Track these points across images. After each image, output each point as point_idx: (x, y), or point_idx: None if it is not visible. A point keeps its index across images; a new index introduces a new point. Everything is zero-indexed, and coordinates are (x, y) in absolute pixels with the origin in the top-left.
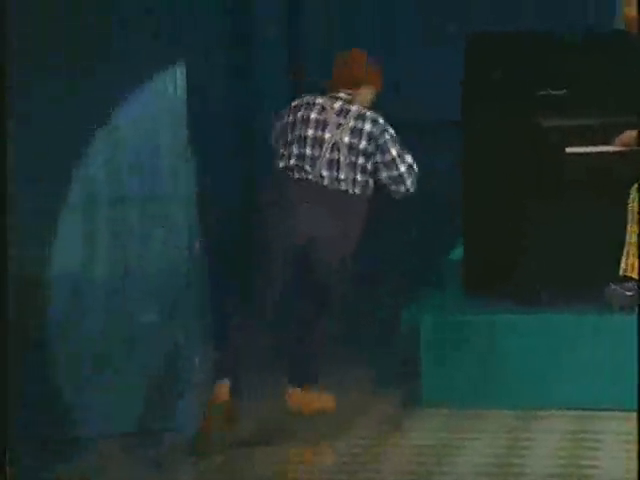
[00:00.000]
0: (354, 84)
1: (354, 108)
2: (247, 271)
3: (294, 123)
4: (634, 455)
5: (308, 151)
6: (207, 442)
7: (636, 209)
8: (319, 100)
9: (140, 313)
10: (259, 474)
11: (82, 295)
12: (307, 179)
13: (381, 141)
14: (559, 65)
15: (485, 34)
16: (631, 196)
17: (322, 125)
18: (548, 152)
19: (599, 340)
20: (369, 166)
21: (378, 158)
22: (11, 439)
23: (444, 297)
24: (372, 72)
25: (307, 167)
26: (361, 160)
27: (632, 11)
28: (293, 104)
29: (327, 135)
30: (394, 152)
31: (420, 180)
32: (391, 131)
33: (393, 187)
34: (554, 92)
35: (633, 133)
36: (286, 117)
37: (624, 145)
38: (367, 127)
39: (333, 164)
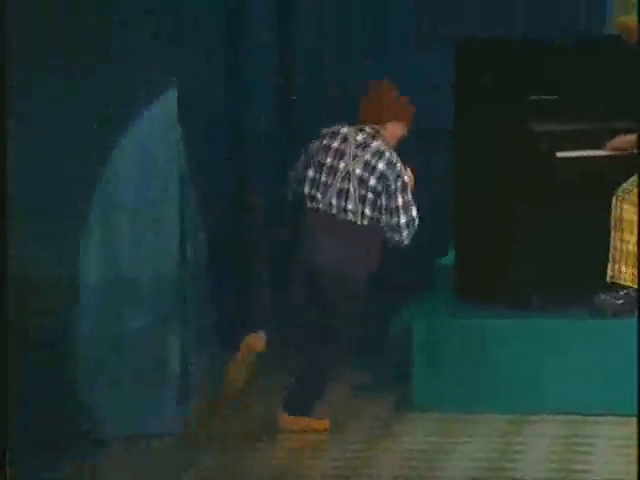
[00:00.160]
0: (379, 120)
1: (375, 144)
2: (242, 273)
3: (318, 150)
4: (626, 460)
5: (323, 178)
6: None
7: (618, 216)
8: (344, 130)
9: (130, 317)
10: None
11: (72, 297)
12: (317, 208)
13: (392, 186)
14: (549, 70)
15: (474, 39)
16: (613, 202)
17: (340, 155)
18: (539, 157)
19: (590, 344)
20: (378, 203)
21: (384, 201)
22: (11, 439)
23: (436, 301)
24: (401, 107)
25: (318, 195)
26: (370, 195)
27: (632, 20)
28: (323, 131)
29: (342, 165)
30: (400, 201)
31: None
32: (405, 179)
33: (389, 234)
34: (544, 97)
35: (624, 138)
36: (315, 143)
37: (615, 150)
38: (380, 166)
39: (342, 194)
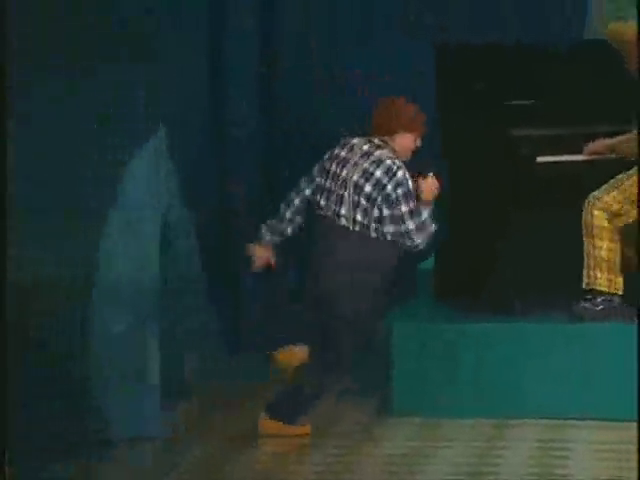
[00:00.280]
0: (387, 131)
1: (378, 152)
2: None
3: (328, 158)
4: (605, 464)
5: (327, 185)
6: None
7: (589, 222)
8: (354, 141)
9: (108, 319)
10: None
11: (50, 298)
12: (321, 214)
13: (392, 195)
14: (529, 75)
15: (454, 45)
16: (584, 209)
17: (343, 163)
18: (519, 161)
19: (570, 349)
20: (372, 211)
21: (385, 211)
22: (11, 439)
23: (416, 305)
24: (410, 118)
25: (322, 202)
26: (364, 202)
27: (624, 29)
28: (341, 142)
29: (344, 172)
30: (404, 209)
31: None
32: (405, 187)
33: (400, 241)
34: (524, 102)
35: (602, 142)
36: (329, 151)
37: (593, 154)
38: (378, 173)
39: (338, 199)
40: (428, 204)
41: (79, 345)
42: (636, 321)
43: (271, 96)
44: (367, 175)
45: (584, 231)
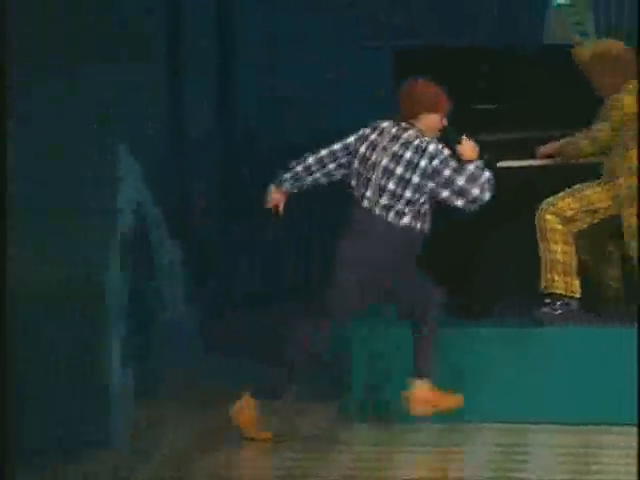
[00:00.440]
0: (412, 114)
1: (405, 135)
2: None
3: (359, 139)
4: (562, 468)
5: (356, 165)
6: None
7: (543, 226)
8: (384, 124)
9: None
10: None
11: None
12: (353, 195)
13: (429, 168)
14: (488, 79)
15: (412, 49)
16: (537, 214)
17: (373, 147)
18: None
19: (529, 353)
20: (403, 192)
21: (431, 183)
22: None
23: (376, 310)
24: (433, 99)
25: (352, 182)
26: (392, 186)
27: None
28: (371, 124)
29: (373, 156)
30: (447, 172)
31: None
32: (441, 156)
33: (459, 201)
34: (484, 106)
35: (551, 145)
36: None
37: (544, 157)
38: (407, 155)
39: (365, 182)
40: (474, 161)
41: (33, 349)
42: (594, 325)
43: (229, 96)
44: (397, 158)
45: (538, 235)
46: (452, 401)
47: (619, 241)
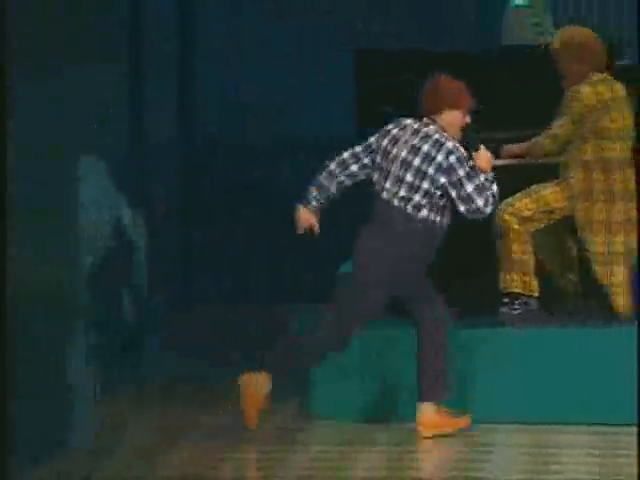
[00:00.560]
0: (434, 110)
1: (425, 129)
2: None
3: (383, 135)
4: (520, 468)
5: (379, 160)
6: None
7: (500, 226)
8: (408, 121)
9: (30, 325)
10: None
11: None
12: (374, 188)
13: (444, 163)
14: None
15: (373, 50)
16: (496, 215)
17: (394, 141)
18: None
19: (488, 352)
20: (421, 184)
21: (443, 179)
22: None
23: None
24: (456, 96)
25: (375, 176)
26: (410, 178)
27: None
28: (395, 121)
29: (394, 150)
30: (461, 172)
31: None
32: (458, 154)
33: (462, 207)
34: None
35: (517, 145)
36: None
37: (509, 157)
38: (425, 147)
39: (385, 174)
40: (485, 172)
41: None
42: (553, 325)
43: (190, 101)
44: (415, 150)
45: (497, 236)
46: (460, 423)
47: (575, 237)
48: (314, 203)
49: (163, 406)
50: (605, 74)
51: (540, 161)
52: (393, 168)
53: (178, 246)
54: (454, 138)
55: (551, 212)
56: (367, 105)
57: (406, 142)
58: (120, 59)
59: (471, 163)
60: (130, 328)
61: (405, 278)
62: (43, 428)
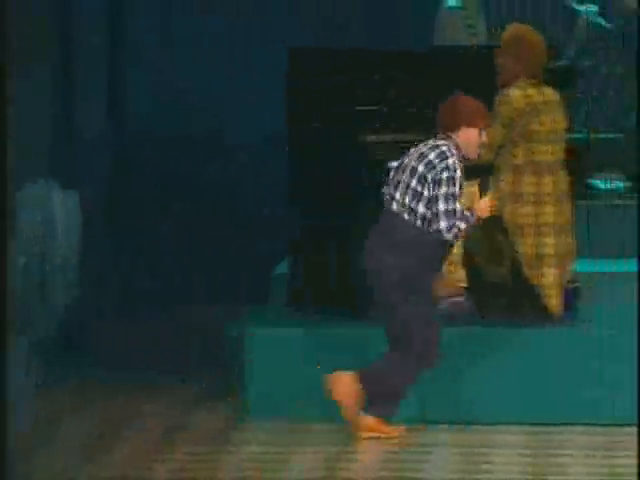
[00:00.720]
0: (451, 127)
1: (437, 142)
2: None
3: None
4: (454, 467)
5: (392, 173)
6: None
7: None
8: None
9: None
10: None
11: None
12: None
13: (437, 177)
14: (382, 81)
15: (306, 49)
16: None
17: (409, 154)
18: (371, 168)
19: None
20: (422, 191)
21: (429, 191)
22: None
23: (270, 311)
24: (471, 114)
25: (387, 189)
26: (414, 183)
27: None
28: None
29: (406, 160)
30: (442, 190)
31: (246, 196)
32: (452, 173)
33: (432, 223)
34: (374, 107)
35: None
36: None
37: None
38: (431, 155)
39: (395, 183)
40: (478, 218)
41: None
42: (482, 322)
43: (120, 98)
44: (422, 158)
45: None
46: (394, 430)
47: (506, 237)
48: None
49: (94, 407)
50: (537, 78)
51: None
52: (403, 177)
53: (109, 244)
54: (467, 157)
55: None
56: (298, 102)
57: (416, 151)
58: (50, 53)
59: (457, 190)
60: (59, 328)
61: (403, 290)
62: None
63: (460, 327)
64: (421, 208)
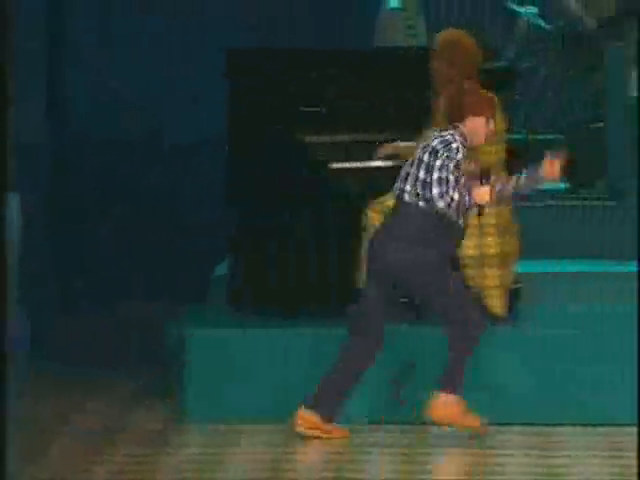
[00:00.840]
0: (457, 117)
1: (440, 133)
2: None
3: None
4: (390, 468)
5: (402, 170)
6: None
7: (365, 223)
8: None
9: None
10: None
11: None
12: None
13: (436, 161)
14: (323, 81)
15: (245, 49)
16: (364, 213)
17: (416, 149)
18: (312, 168)
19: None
20: (425, 177)
21: (426, 175)
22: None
23: (210, 311)
24: (476, 103)
25: (396, 185)
26: (422, 173)
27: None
28: None
29: (416, 154)
30: (437, 162)
31: (186, 196)
32: (451, 155)
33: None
34: (317, 108)
35: (392, 145)
36: None
37: (383, 158)
38: (434, 143)
39: (406, 175)
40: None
41: None
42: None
43: (59, 100)
44: (428, 148)
45: (363, 234)
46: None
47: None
48: None
49: (33, 407)
50: (472, 79)
51: None
52: (412, 169)
53: (50, 245)
54: (475, 146)
55: None
56: (237, 103)
57: (422, 144)
58: None
59: (453, 167)
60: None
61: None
62: None
63: (400, 326)
64: (427, 192)
